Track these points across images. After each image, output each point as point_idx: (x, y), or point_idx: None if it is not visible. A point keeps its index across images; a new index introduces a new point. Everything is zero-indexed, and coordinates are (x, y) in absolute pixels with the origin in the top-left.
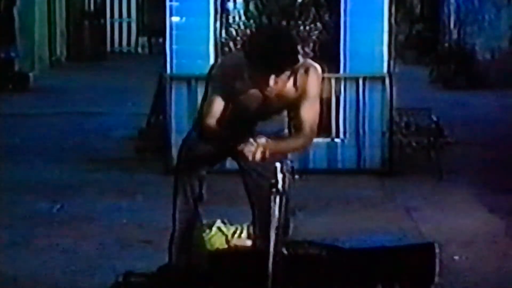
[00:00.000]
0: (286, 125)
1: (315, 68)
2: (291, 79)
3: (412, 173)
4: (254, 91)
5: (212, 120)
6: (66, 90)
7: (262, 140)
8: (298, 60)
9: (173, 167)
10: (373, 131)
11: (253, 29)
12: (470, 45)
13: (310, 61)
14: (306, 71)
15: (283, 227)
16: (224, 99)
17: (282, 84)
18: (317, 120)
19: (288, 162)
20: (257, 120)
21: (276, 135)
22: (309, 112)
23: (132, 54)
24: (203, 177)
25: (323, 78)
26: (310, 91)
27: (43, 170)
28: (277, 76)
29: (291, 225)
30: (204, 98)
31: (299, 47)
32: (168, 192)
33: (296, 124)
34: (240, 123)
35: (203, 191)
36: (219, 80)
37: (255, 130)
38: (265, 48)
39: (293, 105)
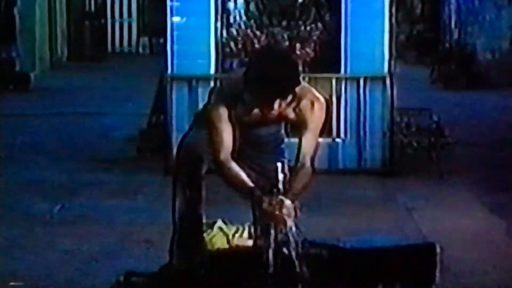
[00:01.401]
0: (283, 125)
1: (320, 101)
2: (293, 104)
3: (413, 173)
4: (255, 112)
5: (226, 154)
6: (67, 90)
7: (287, 202)
8: (299, 83)
9: (173, 167)
10: (374, 131)
11: (254, 34)
12: (471, 45)
13: (314, 91)
14: (312, 104)
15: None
16: (230, 126)
17: (283, 107)
18: (317, 150)
19: (286, 161)
20: (256, 129)
21: (274, 137)
22: (311, 145)
23: (133, 54)
24: (203, 176)
25: (327, 108)
26: (314, 124)
27: (43, 170)
28: (279, 99)
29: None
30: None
31: (299, 70)
32: (169, 192)
33: (298, 156)
34: (240, 136)
35: (203, 191)
36: (222, 108)
37: (254, 134)
38: (266, 73)
39: (292, 124)
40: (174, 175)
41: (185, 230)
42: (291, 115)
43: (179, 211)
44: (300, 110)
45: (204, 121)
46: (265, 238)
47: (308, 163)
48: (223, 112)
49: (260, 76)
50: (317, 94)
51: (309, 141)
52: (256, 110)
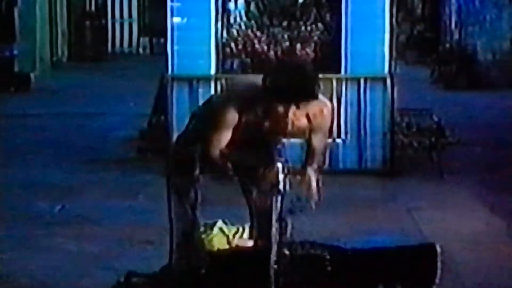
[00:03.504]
0: None
1: (328, 108)
2: (304, 112)
3: (414, 174)
4: (267, 122)
5: (216, 151)
6: (68, 90)
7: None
8: (317, 97)
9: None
10: (375, 131)
11: (254, 34)
12: (472, 45)
13: (323, 98)
14: (321, 111)
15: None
16: (232, 130)
17: (297, 116)
18: (326, 149)
19: (284, 161)
20: (263, 137)
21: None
22: (321, 144)
23: (134, 55)
24: (197, 177)
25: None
26: (323, 128)
27: (44, 171)
28: (295, 109)
29: (290, 225)
30: (198, 128)
31: (319, 83)
32: None
33: (308, 152)
34: (247, 142)
35: (198, 192)
36: (233, 113)
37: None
38: (290, 85)
39: (303, 131)
40: (167, 176)
41: (181, 231)
42: (302, 122)
43: (175, 212)
44: (310, 117)
45: (207, 116)
46: (264, 238)
47: (317, 157)
48: (233, 117)
49: (281, 91)
50: (325, 100)
51: (319, 142)
52: (268, 121)
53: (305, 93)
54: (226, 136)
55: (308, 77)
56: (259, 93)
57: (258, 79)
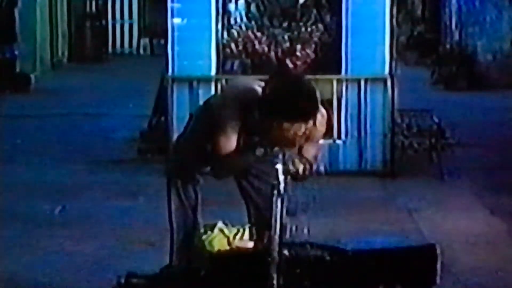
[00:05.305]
0: None
1: (323, 115)
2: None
3: (414, 175)
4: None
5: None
6: (68, 91)
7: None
8: (317, 113)
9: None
10: (375, 132)
11: (254, 35)
12: (472, 46)
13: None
14: (317, 119)
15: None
16: (237, 133)
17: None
18: (317, 156)
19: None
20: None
21: None
22: (311, 152)
23: (134, 56)
24: (198, 179)
25: (328, 119)
26: (316, 137)
27: (44, 172)
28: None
29: (288, 226)
30: (196, 131)
31: (317, 95)
32: None
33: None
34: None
35: (199, 193)
36: (235, 116)
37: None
38: (287, 103)
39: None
40: (168, 177)
41: (181, 232)
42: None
43: (175, 213)
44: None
45: (210, 119)
46: (263, 239)
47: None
48: (236, 120)
49: (280, 109)
50: (321, 109)
51: (310, 150)
52: (265, 128)
53: (304, 115)
54: (233, 141)
55: (307, 99)
56: (255, 102)
57: (256, 83)
